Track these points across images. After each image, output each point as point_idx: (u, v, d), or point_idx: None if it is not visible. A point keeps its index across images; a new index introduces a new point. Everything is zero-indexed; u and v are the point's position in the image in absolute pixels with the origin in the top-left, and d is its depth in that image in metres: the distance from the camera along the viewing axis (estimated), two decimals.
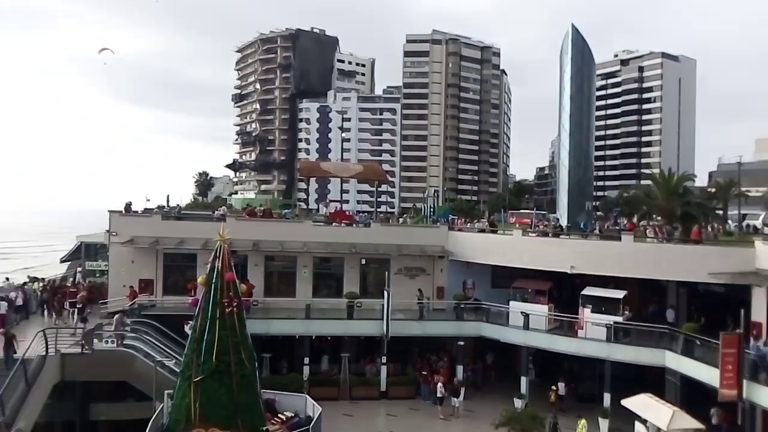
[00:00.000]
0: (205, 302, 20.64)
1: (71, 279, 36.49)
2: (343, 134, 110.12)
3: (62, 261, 47.01)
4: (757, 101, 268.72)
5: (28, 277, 40.66)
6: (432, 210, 60.31)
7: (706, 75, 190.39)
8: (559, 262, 29.35)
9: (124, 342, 24.71)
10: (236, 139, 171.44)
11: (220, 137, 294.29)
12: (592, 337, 26.81)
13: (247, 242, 30.44)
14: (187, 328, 23.23)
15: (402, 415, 26.63)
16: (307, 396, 23.15)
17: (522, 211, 76.81)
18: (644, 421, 23.11)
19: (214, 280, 20.64)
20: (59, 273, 42.57)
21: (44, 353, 22.25)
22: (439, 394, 26.55)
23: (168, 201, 47.36)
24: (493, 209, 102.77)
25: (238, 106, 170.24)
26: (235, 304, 20.83)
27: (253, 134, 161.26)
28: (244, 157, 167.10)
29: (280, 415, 21.42)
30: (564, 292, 31.67)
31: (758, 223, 42.97)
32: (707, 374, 22.22)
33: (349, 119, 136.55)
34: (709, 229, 31.75)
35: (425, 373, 29.04)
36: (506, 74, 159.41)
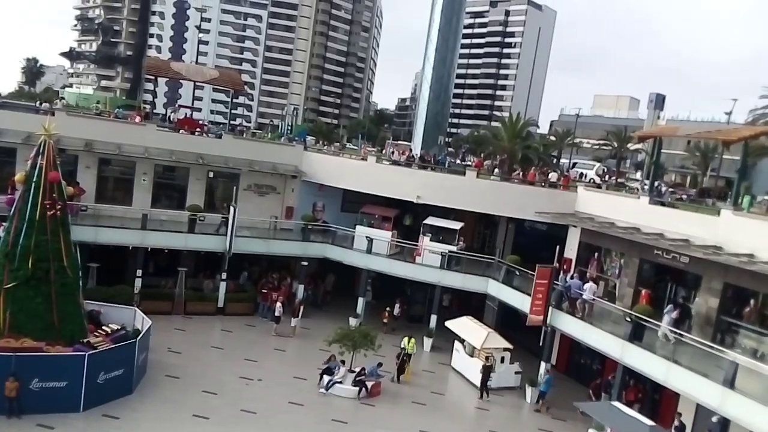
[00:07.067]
0: (23, 202, 18.94)
1: None
2: (201, 35, 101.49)
3: None
4: (601, 59, 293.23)
5: None
6: (290, 128, 58.99)
7: (563, 28, 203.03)
8: (407, 192, 30.42)
9: None
10: (75, 25, 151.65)
11: (55, 20, 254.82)
12: (428, 264, 28.49)
13: (79, 141, 27.57)
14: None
15: (237, 331, 26.63)
16: (136, 309, 22.19)
17: (400, 142, 77.85)
18: (462, 341, 25.52)
19: (35, 179, 18.87)
20: None
21: None
22: (276, 313, 26.81)
23: None
24: (352, 135, 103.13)
25: None
26: (59, 207, 19.23)
27: (96, 21, 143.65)
28: (83, 46, 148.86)
29: (104, 327, 20.40)
30: (405, 219, 33.18)
31: (592, 173, 47.23)
32: (520, 301, 24.81)
33: (209, 20, 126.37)
34: (553, 174, 34.59)
35: (265, 291, 29.10)
36: None
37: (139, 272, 26.70)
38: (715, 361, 17.64)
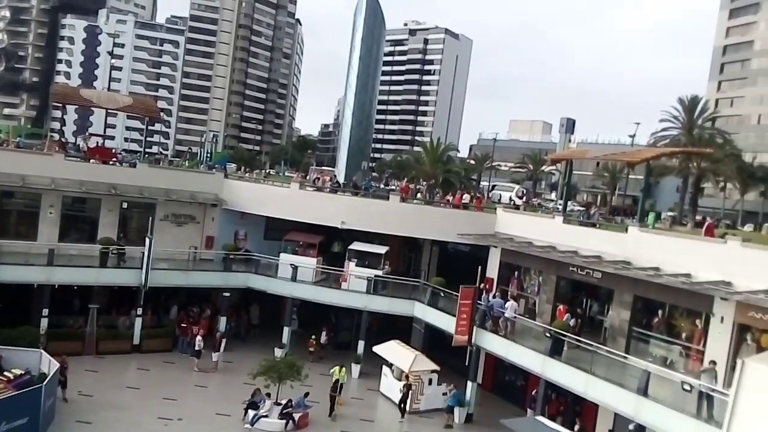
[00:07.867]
0: None
1: None
2: (113, 61, 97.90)
3: None
4: (515, 85, 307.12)
5: None
6: (209, 155, 57.71)
7: (479, 56, 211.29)
8: (331, 217, 30.21)
9: None
10: None
11: None
12: (354, 289, 28.33)
13: None
14: None
15: (155, 369, 25.24)
16: (42, 351, 20.64)
17: (324, 168, 77.97)
18: (391, 365, 25.44)
19: None
20: None
21: None
22: (197, 347, 25.71)
23: None
24: (275, 161, 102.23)
25: None
26: None
27: None
28: None
29: (6, 373, 18.83)
30: (334, 246, 32.94)
31: (512, 194, 48.82)
32: (446, 322, 25.08)
33: (122, 45, 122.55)
34: (466, 196, 35.45)
35: (185, 325, 27.89)
36: (300, 24, 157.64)
37: (45, 311, 24.88)
38: (630, 371, 18.47)
